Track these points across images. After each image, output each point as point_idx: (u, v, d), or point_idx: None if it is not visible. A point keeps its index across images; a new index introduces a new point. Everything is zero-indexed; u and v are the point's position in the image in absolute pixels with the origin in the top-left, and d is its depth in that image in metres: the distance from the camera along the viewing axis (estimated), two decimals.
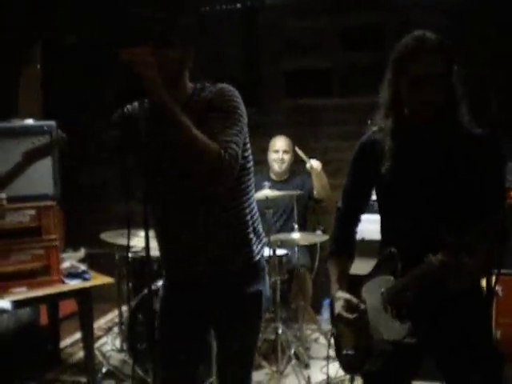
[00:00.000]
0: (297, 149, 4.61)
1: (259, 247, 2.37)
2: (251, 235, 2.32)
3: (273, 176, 4.84)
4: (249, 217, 2.32)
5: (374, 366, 2.15)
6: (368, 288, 2.22)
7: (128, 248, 4.00)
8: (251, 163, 2.34)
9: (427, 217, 2.06)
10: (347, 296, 2.20)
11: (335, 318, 2.25)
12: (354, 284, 2.27)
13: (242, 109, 2.21)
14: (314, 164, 4.54)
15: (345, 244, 2.37)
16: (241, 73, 5.55)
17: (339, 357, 2.32)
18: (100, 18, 5.32)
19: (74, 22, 5.51)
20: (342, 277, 2.28)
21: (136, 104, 2.32)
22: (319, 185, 4.60)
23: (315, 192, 4.66)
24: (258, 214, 2.41)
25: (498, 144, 2.06)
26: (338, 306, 2.20)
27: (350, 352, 2.24)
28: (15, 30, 5.16)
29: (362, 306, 2.16)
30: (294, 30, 5.38)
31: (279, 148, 4.79)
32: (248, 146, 2.29)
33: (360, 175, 2.30)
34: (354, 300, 2.18)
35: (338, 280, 2.27)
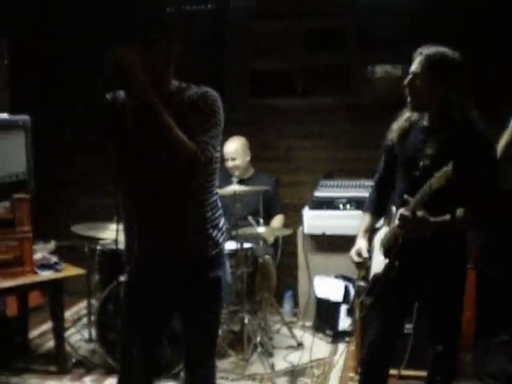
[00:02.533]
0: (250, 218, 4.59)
1: (220, 240, 2.51)
2: (210, 230, 2.46)
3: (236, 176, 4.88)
4: (210, 213, 2.46)
5: (369, 294, 2.88)
6: (377, 236, 2.93)
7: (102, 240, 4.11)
8: (218, 164, 2.48)
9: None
10: (359, 245, 2.89)
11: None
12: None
13: (222, 115, 2.37)
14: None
15: (374, 205, 3.01)
16: (206, 72, 5.66)
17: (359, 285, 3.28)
18: (82, 14, 5.36)
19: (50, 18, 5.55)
20: (366, 229, 2.97)
21: (120, 92, 2.38)
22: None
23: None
24: (220, 210, 2.55)
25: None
26: (352, 251, 2.91)
27: (360, 283, 3.22)
28: None
29: (365, 254, 2.85)
30: (259, 31, 5.51)
31: (227, 156, 4.85)
32: (219, 147, 2.43)
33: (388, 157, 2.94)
34: (361, 249, 2.88)
35: (362, 230, 2.97)
